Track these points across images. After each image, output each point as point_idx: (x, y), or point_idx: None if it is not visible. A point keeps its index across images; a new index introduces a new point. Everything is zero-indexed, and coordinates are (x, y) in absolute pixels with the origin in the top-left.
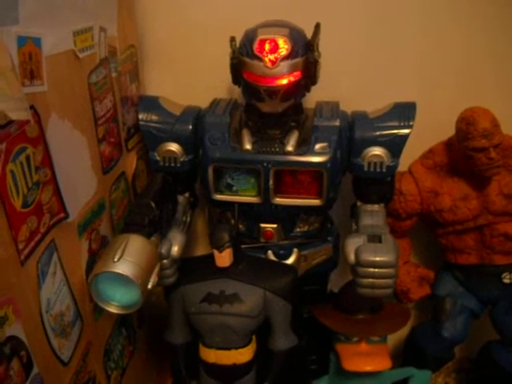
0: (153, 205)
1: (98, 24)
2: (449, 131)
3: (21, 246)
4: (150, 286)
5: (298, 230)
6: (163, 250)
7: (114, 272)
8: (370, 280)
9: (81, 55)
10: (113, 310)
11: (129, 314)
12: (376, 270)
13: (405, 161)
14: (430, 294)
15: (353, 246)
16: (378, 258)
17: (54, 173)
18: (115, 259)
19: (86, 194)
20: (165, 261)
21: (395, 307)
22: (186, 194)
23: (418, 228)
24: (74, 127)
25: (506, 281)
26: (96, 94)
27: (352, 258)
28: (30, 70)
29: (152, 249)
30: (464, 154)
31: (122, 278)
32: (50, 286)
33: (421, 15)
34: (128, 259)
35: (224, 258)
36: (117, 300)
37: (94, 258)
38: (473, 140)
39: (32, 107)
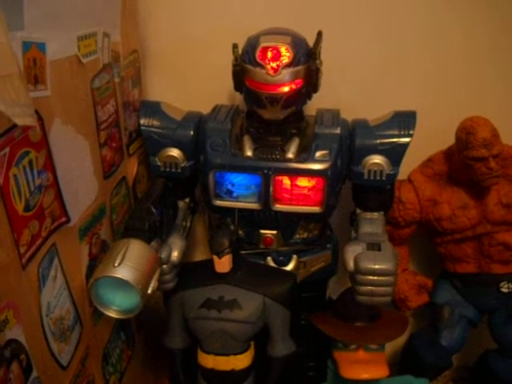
0: (153, 210)
1: (102, 29)
2: (448, 140)
3: (22, 250)
4: (149, 291)
5: (298, 236)
6: (163, 255)
7: (115, 277)
8: (369, 288)
9: (84, 60)
10: (112, 314)
11: (128, 318)
12: (375, 277)
13: (404, 169)
14: (428, 302)
15: (352, 253)
16: (377, 266)
17: (56, 177)
18: (116, 264)
19: (88, 198)
20: (164, 266)
21: (393, 315)
22: (187, 200)
23: (417, 236)
24: (77, 132)
25: (504, 290)
26: (98, 98)
27: (351, 265)
28: (34, 74)
29: (152, 254)
30: (463, 163)
31: (122, 283)
32: (50, 289)
33: (422, 25)
34: (128, 264)
35: (223, 264)
36: (116, 304)
37: (94, 262)
38: (472, 149)
39: (36, 112)
